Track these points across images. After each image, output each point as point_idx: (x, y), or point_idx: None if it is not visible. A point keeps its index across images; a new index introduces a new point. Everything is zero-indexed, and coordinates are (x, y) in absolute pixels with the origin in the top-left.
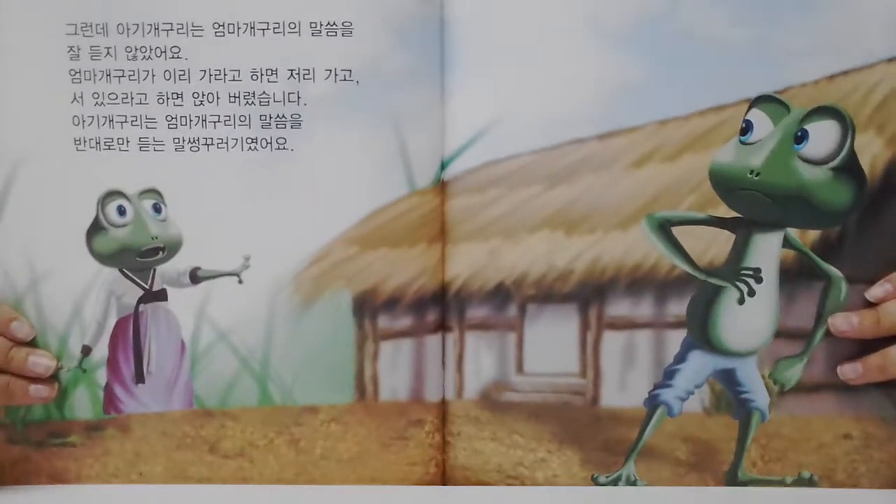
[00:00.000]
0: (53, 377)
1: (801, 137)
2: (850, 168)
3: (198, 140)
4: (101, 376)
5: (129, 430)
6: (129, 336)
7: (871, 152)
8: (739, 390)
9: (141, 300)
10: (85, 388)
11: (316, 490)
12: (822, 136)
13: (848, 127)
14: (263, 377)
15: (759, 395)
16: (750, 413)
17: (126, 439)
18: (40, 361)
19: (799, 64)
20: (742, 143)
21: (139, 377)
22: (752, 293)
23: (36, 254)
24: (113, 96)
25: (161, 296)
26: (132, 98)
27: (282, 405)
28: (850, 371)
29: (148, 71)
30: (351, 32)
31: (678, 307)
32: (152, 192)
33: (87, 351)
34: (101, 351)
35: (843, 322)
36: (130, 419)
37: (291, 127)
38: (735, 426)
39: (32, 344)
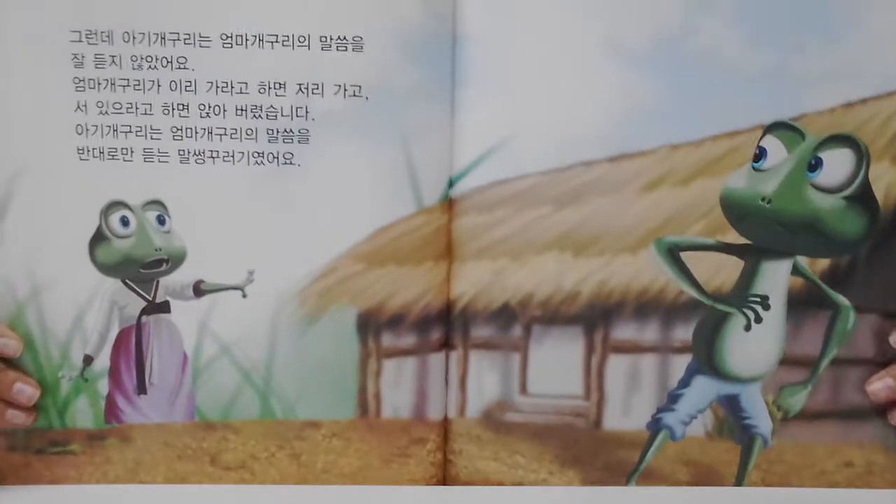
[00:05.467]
0: (34, 406)
1: (814, 165)
2: (863, 197)
3: (203, 152)
4: (103, 386)
5: (130, 439)
6: (131, 347)
7: (885, 182)
8: (743, 416)
9: (143, 311)
10: (86, 398)
11: (316, 490)
12: (837, 165)
13: (863, 156)
14: (266, 391)
15: (762, 421)
16: (752, 438)
17: (127, 449)
18: (25, 390)
19: (815, 91)
20: (755, 169)
21: (141, 388)
22: (759, 320)
23: (38, 263)
24: (117, 106)
25: (164, 308)
26: (137, 108)
27: (284, 419)
28: (880, 387)
29: (153, 81)
30: (361, 48)
31: (684, 332)
32: (156, 203)
33: (88, 360)
34: (102, 361)
35: (882, 387)
36: (131, 429)
37: (299, 142)
38: (737, 451)
39: (33, 354)
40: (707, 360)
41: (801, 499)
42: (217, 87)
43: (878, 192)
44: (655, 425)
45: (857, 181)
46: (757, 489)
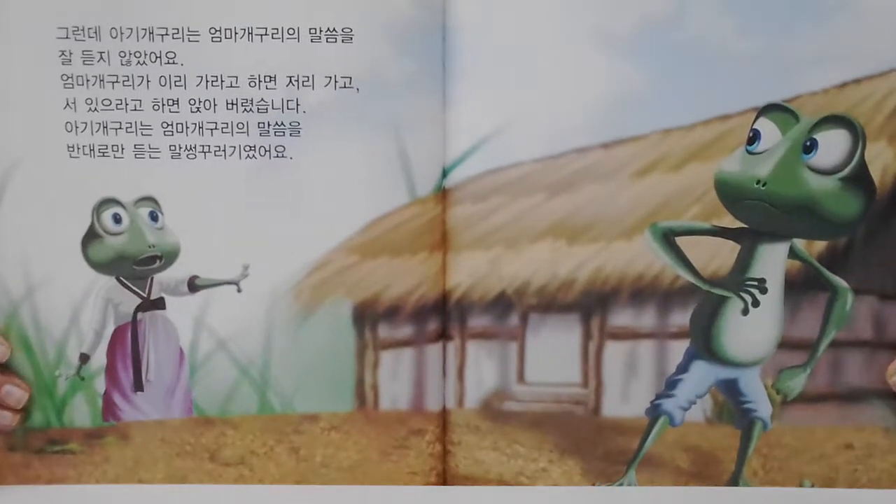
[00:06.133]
0: (22, 408)
1: (809, 147)
2: (859, 178)
3: (195, 147)
4: (100, 384)
5: (128, 437)
6: (127, 344)
7: (882, 162)
8: (742, 400)
9: (139, 308)
10: (83, 396)
11: (316, 490)
12: (832, 146)
13: (858, 136)
14: (263, 385)
15: (761, 404)
16: (752, 423)
17: (126, 447)
18: (14, 392)
19: (809, 72)
20: (749, 152)
21: (138, 385)
22: (756, 304)
23: (32, 261)
24: (107, 102)
25: (159, 304)
26: (126, 104)
27: (282, 413)
28: None
29: (143, 76)
30: (351, 39)
31: (681, 317)
32: (149, 199)
33: (85, 359)
34: (99, 359)
35: None
36: (130, 427)
37: (290, 135)
38: (737, 435)
39: (29, 353)
40: (705, 345)
41: (801, 499)
42: (207, 81)
43: (875, 172)
44: (654, 411)
45: (854, 162)
46: (757, 489)
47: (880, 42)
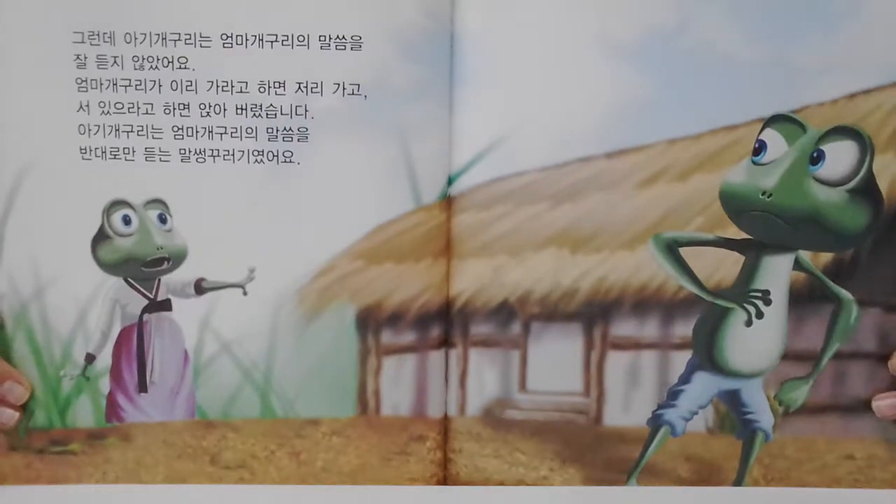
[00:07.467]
0: (23, 406)
1: (816, 158)
2: (867, 190)
3: (204, 151)
4: (104, 385)
5: (130, 438)
6: (132, 345)
7: (890, 174)
8: (744, 411)
9: (145, 310)
10: (87, 397)
11: (316, 490)
12: (839, 157)
13: (866, 148)
14: (266, 389)
15: (763, 415)
16: (753, 433)
17: (127, 448)
18: (15, 388)
19: (816, 82)
20: (754, 163)
21: (142, 386)
22: (760, 315)
23: (41, 261)
24: (119, 106)
25: (165, 306)
26: (138, 108)
27: (284, 417)
28: (886, 408)
29: (155, 81)
30: (360, 46)
31: (684, 328)
32: (158, 202)
33: (90, 359)
34: (104, 359)
35: (888, 406)
36: (132, 428)
37: (298, 140)
38: (738, 446)
39: (35, 352)
40: (708, 356)
41: (801, 499)
42: (217, 86)
43: (883, 184)
44: (656, 421)
45: (861, 174)
46: (757, 489)
47: (889, 52)
